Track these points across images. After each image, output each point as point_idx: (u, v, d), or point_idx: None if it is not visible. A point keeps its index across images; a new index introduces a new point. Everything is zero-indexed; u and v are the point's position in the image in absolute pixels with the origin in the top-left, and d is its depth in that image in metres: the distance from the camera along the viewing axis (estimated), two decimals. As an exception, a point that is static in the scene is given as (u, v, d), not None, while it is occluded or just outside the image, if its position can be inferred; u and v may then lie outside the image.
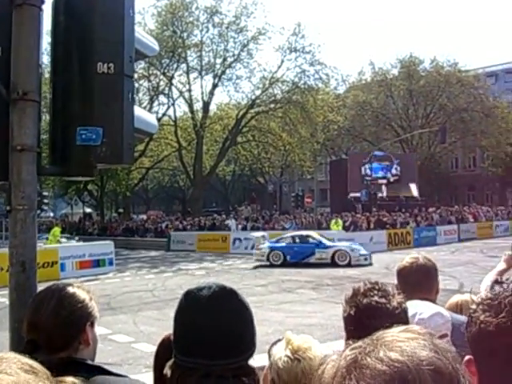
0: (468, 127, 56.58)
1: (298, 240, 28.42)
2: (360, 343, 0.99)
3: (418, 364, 0.91)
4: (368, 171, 47.47)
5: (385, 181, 48.91)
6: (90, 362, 2.18)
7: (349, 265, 26.11)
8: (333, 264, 26.34)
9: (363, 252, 27.43)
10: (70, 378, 1.56)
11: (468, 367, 1.23)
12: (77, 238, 38.54)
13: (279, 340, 2.27)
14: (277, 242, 28.57)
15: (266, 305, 16.07)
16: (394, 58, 60.68)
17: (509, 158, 56.89)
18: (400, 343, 0.96)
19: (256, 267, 27.24)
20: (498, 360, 1.21)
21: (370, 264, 26.46)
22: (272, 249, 27.91)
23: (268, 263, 27.49)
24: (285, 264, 27.08)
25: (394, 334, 1.00)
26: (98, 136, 3.50)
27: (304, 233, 30.34)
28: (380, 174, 48.34)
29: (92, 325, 2.25)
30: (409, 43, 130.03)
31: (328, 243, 27.92)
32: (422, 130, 53.38)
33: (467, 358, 1.26)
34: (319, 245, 27.65)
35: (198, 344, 1.82)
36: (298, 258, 27.39)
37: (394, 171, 49.89)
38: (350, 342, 1.02)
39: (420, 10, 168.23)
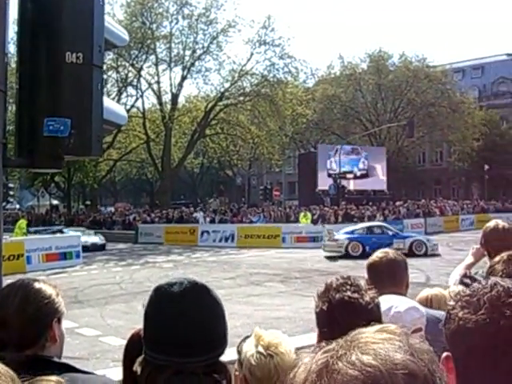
0: (435, 122, 57.21)
1: (373, 231, 28.70)
2: (333, 345, 0.96)
3: (392, 368, 0.88)
4: (334, 165, 47.66)
5: (351, 175, 49.29)
6: (56, 359, 2.12)
7: (425, 254, 26.47)
8: (410, 254, 24.94)
9: (435, 242, 28.05)
10: (54, 377, 1.52)
11: (446, 364, 1.22)
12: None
13: (248, 337, 2.25)
14: (351, 233, 28.60)
15: (235, 298, 16.04)
16: (363, 53, 60.93)
17: (474, 153, 57.66)
18: (374, 345, 0.92)
19: (330, 258, 27.09)
20: (476, 357, 1.20)
21: (439, 254, 26.59)
22: (350, 240, 27.80)
23: (344, 253, 27.27)
24: (364, 255, 26.43)
25: (368, 334, 0.97)
26: (65, 127, 3.42)
27: (378, 223, 30.96)
28: (347, 167, 48.58)
29: (59, 321, 2.19)
30: (378, 38, 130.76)
31: (404, 234, 28.62)
32: (390, 125, 53.77)
33: (445, 354, 1.25)
34: (396, 235, 28.10)
35: (169, 341, 1.79)
36: (376, 248, 26.80)
37: (361, 165, 50.28)
38: (324, 343, 0.98)
39: (390, 8, 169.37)
